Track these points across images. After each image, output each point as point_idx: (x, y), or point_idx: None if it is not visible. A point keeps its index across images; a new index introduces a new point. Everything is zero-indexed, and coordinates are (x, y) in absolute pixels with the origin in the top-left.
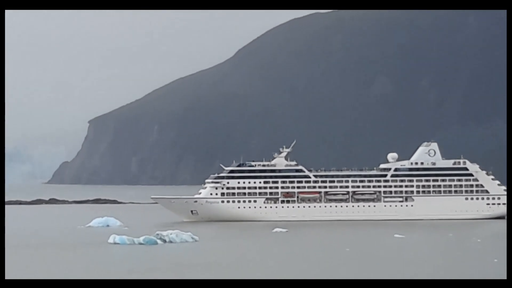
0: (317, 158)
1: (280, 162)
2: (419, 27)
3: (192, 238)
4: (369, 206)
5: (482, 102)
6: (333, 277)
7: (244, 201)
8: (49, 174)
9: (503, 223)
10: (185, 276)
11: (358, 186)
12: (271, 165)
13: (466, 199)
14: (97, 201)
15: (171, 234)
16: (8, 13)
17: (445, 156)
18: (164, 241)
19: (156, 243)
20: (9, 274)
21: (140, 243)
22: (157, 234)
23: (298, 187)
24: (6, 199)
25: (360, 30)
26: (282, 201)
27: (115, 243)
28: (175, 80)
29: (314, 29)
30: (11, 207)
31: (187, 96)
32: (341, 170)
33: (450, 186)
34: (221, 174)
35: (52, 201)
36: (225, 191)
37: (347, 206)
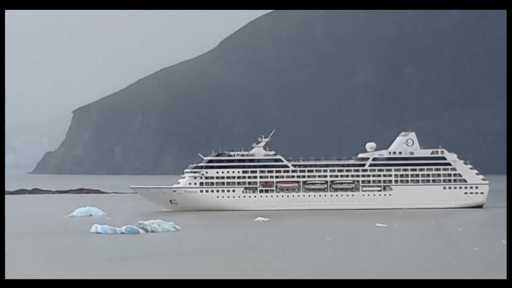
0: (299, 147)
1: (258, 151)
2: (402, 15)
3: (174, 227)
4: (347, 195)
5: (464, 91)
6: (317, 267)
7: (223, 191)
8: (33, 164)
9: (482, 212)
10: (166, 264)
11: (337, 176)
12: (250, 155)
13: (444, 188)
14: (80, 190)
15: (153, 223)
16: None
17: (425, 145)
18: (146, 230)
19: (138, 232)
20: None
21: (122, 233)
22: (139, 224)
23: (277, 177)
24: None
25: (343, 19)
26: (261, 191)
27: (97, 233)
28: (160, 70)
29: (297, 18)
30: None
31: (171, 86)
32: (320, 160)
33: (428, 175)
34: (200, 164)
35: (35, 191)
36: (204, 180)
37: (325, 196)
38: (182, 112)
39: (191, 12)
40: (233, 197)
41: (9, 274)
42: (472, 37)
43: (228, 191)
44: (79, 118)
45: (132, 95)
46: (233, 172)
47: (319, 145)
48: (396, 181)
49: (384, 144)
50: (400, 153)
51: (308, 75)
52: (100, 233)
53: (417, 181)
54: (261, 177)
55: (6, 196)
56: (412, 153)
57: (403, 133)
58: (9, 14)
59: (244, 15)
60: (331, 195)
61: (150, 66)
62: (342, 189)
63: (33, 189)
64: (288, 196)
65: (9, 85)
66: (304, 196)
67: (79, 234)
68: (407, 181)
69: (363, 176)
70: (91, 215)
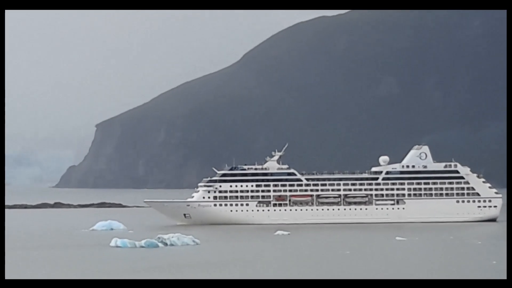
0: (320, 160)
1: (272, 165)
2: (425, 28)
3: (194, 241)
4: (360, 209)
5: (483, 104)
6: (336, 278)
7: (236, 205)
8: (57, 177)
9: (496, 225)
10: (184, 276)
11: (350, 189)
12: (263, 169)
13: (457, 201)
14: (102, 204)
15: (172, 237)
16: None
17: (440, 158)
18: (166, 244)
19: (157, 246)
20: (8, 275)
21: (142, 246)
22: (159, 238)
23: (290, 190)
24: (12, 203)
25: (365, 31)
26: (274, 204)
27: (116, 246)
28: (182, 84)
29: (319, 32)
30: (16, 211)
31: (193, 100)
32: (333, 173)
33: (441, 189)
34: (214, 178)
35: (57, 205)
36: (217, 194)
37: (338, 209)
38: (204, 125)
39: (213, 26)
40: (247, 210)
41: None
42: (494, 49)
43: (242, 205)
44: (102, 132)
45: (154, 108)
46: (247, 186)
47: (337, 158)
48: (409, 194)
49: (401, 157)
50: (413, 166)
51: (329, 89)
52: (119, 246)
53: (430, 194)
54: (274, 190)
55: (28, 210)
56: (425, 166)
57: (416, 146)
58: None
59: (266, 28)
60: (344, 209)
61: (172, 80)
62: (355, 203)
63: (55, 203)
64: (301, 209)
65: (32, 99)
66: (317, 209)
67: (98, 247)
68: (420, 194)
69: (376, 189)
70: (112, 229)
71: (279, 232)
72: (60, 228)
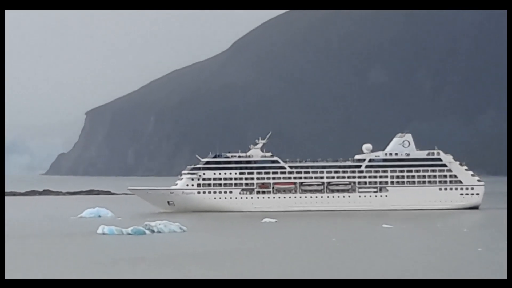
0: (310, 148)
1: (255, 153)
2: (416, 18)
3: (181, 228)
4: (343, 196)
5: (475, 95)
6: (325, 268)
7: (220, 192)
8: (47, 165)
9: (480, 213)
10: (170, 265)
11: (333, 177)
12: (247, 156)
13: (440, 189)
14: (90, 192)
15: (159, 224)
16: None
17: (422, 146)
18: (153, 231)
19: (144, 233)
20: None
21: (129, 234)
22: (146, 225)
23: (274, 178)
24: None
25: (356, 21)
26: (258, 192)
27: (103, 234)
28: (172, 72)
29: (310, 20)
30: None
31: (183, 87)
32: (316, 161)
33: (424, 176)
34: (197, 166)
35: (46, 192)
36: (201, 182)
37: (322, 197)
38: (195, 113)
39: (203, 13)
40: (230, 198)
41: (9, 273)
42: (486, 39)
43: (225, 192)
44: (92, 120)
45: (145, 96)
46: (230, 173)
47: (327, 146)
48: (392, 182)
49: (386, 146)
50: (396, 154)
51: (320, 77)
52: (106, 234)
53: (413, 182)
54: (258, 178)
55: (17, 198)
56: (408, 154)
57: (399, 134)
58: (22, 15)
59: (257, 16)
60: (328, 196)
61: (162, 68)
62: (338, 191)
63: (43, 191)
64: (284, 197)
65: (23, 87)
66: (300, 197)
67: (86, 235)
68: (403, 182)
69: (359, 177)
70: (100, 216)
71: (266, 219)
72: (48, 216)
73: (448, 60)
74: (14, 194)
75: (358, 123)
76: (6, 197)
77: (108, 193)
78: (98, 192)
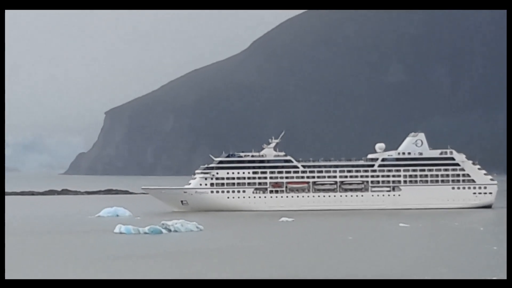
0: (328, 146)
1: (268, 152)
2: (433, 15)
3: (197, 227)
4: (356, 195)
5: (492, 92)
6: (347, 267)
7: (233, 191)
8: (67, 164)
9: (493, 212)
10: (186, 263)
11: (346, 176)
12: (260, 156)
13: (453, 188)
14: (108, 191)
15: (176, 223)
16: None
17: (441, 144)
18: (169, 230)
19: (161, 232)
20: (9, 265)
21: (145, 233)
22: (162, 224)
23: (287, 177)
24: (20, 189)
25: (373, 19)
26: (271, 191)
27: (120, 233)
28: (191, 72)
29: (328, 19)
30: (23, 198)
31: (202, 87)
32: (329, 160)
33: (436, 175)
34: (211, 165)
35: (64, 191)
36: (214, 181)
37: (334, 196)
38: (213, 112)
39: (223, 13)
40: (243, 197)
41: (15, 272)
42: (503, 36)
43: (239, 191)
44: (111, 119)
45: (163, 96)
46: (243, 173)
47: (344, 145)
48: (405, 181)
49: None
50: (409, 153)
51: (337, 76)
52: (123, 233)
53: (426, 181)
54: (271, 177)
55: (35, 197)
56: (421, 153)
57: (412, 133)
58: (44, 15)
59: (274, 16)
60: (341, 196)
61: (181, 67)
62: (351, 190)
63: (62, 190)
64: (297, 196)
65: (43, 87)
66: (313, 196)
67: (102, 233)
68: (416, 181)
69: (372, 176)
70: (117, 216)
71: (283, 218)
72: (66, 215)
73: (466, 57)
74: (32, 193)
75: (376, 121)
76: (24, 197)
77: (126, 192)
78: (116, 192)
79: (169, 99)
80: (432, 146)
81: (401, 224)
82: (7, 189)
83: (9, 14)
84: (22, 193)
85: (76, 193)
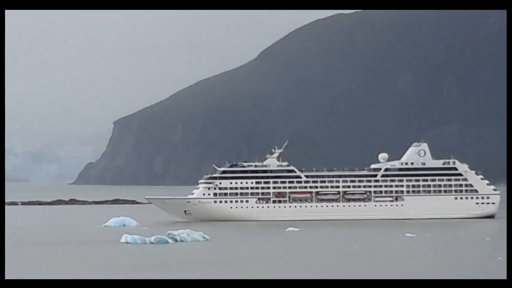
0: (337, 155)
1: (272, 162)
2: (442, 23)
3: (203, 237)
4: (359, 205)
5: (502, 102)
6: (347, 277)
7: (236, 201)
8: (75, 174)
9: (496, 222)
10: (192, 272)
11: (349, 186)
12: (263, 166)
13: (456, 198)
14: (116, 201)
15: (182, 233)
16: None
17: (440, 156)
18: (176, 240)
19: (167, 242)
20: (9, 273)
21: (152, 242)
22: (169, 234)
23: (290, 187)
24: (28, 199)
25: (381, 30)
26: (274, 201)
27: (127, 243)
28: (200, 81)
29: (336, 29)
30: (30, 208)
31: (210, 97)
32: (332, 170)
33: (439, 185)
34: (214, 175)
35: (72, 201)
36: (217, 191)
37: (337, 206)
38: (222, 122)
39: (231, 23)
40: (247, 207)
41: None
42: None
43: (242, 201)
44: (120, 129)
45: (172, 105)
46: (247, 182)
47: (353, 154)
48: (408, 191)
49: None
50: (412, 163)
51: (347, 86)
52: (129, 242)
53: (429, 191)
54: (274, 187)
55: (42, 207)
56: (424, 163)
57: (415, 143)
58: (54, 21)
59: (283, 26)
60: (344, 206)
61: (190, 77)
62: (354, 200)
63: (70, 200)
64: (301, 206)
65: (52, 96)
66: (316, 206)
67: (109, 243)
68: (419, 191)
69: (375, 186)
70: (124, 225)
71: (290, 228)
72: (72, 224)
73: (475, 66)
74: (40, 203)
75: (382, 131)
76: (31, 206)
77: (133, 202)
78: (123, 201)
79: (178, 109)
80: (439, 156)
81: (407, 234)
82: (15, 199)
83: (20, 21)
84: (30, 203)
85: (83, 202)
